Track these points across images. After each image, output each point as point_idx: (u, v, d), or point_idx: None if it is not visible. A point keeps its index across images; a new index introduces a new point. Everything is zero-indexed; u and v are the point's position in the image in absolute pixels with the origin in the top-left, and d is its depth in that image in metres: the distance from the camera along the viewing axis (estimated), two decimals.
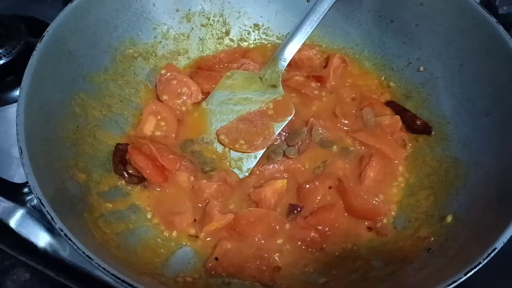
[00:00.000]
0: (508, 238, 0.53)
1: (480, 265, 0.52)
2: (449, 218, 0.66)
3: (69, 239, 0.51)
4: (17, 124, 0.60)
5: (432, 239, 0.65)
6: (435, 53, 0.82)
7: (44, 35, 0.70)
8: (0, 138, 0.89)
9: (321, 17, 0.84)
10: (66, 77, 0.72)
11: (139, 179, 0.74)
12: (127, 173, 0.74)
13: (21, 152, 0.58)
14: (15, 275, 0.81)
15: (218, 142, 0.80)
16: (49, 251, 0.80)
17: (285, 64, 0.85)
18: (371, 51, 0.91)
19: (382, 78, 0.89)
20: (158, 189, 0.75)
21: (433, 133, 0.79)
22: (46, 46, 0.69)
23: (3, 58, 0.97)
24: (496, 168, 0.66)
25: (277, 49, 0.87)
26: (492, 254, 0.52)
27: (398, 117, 0.82)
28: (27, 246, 0.81)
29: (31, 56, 0.67)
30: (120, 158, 0.75)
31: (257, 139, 0.80)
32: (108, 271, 0.50)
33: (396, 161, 0.79)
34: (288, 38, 0.86)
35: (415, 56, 0.85)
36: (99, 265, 0.50)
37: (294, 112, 0.82)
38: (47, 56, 0.69)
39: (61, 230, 0.52)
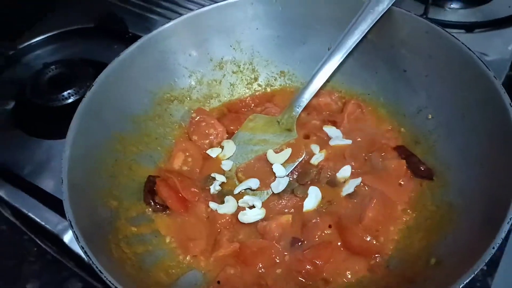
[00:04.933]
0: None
1: None
2: (433, 261, 0.70)
3: (87, 255, 0.63)
4: (62, 158, 0.75)
5: (415, 280, 0.69)
6: (442, 103, 0.86)
7: (93, 84, 0.84)
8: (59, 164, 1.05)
9: (332, 70, 0.92)
10: (109, 119, 0.86)
11: (164, 207, 0.86)
12: (154, 202, 0.86)
13: (62, 181, 0.72)
14: (70, 284, 0.93)
15: (236, 179, 0.90)
16: None
17: (299, 110, 0.94)
18: (385, 98, 0.97)
19: (395, 124, 0.95)
20: (179, 218, 0.86)
21: (434, 178, 0.83)
22: (94, 93, 0.84)
23: (71, 97, 1.14)
24: (481, 217, 0.69)
25: (294, 97, 0.96)
26: None
27: (403, 161, 0.87)
28: (79, 260, 0.92)
29: (81, 102, 0.82)
30: (150, 188, 0.87)
31: (270, 178, 0.88)
32: (112, 284, 0.61)
33: (398, 204, 0.84)
34: (303, 88, 0.95)
35: (424, 104, 0.90)
36: (106, 278, 0.61)
37: (304, 155, 0.90)
38: (94, 101, 0.83)
39: (82, 248, 0.64)
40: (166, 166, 0.92)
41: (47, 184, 1.03)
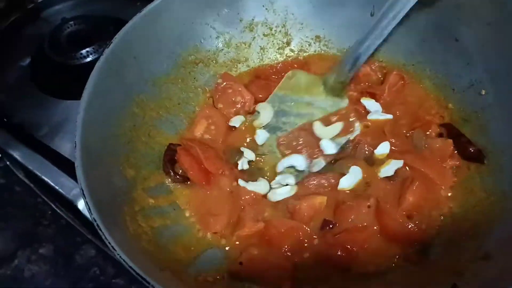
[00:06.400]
0: None
1: None
2: (481, 254, 0.63)
3: (100, 229, 0.58)
4: (76, 121, 0.68)
5: (462, 273, 0.62)
6: (499, 77, 0.77)
7: (112, 42, 0.77)
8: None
9: (389, 31, 0.79)
10: (129, 80, 0.80)
11: (184, 178, 0.79)
12: (174, 172, 0.79)
13: (75, 146, 0.66)
14: (83, 250, 0.91)
15: (278, 151, 0.82)
16: None
17: (350, 76, 0.84)
18: (433, 69, 0.87)
19: (442, 99, 0.85)
20: (200, 191, 0.79)
21: (486, 162, 0.75)
22: (112, 51, 0.76)
23: (90, 56, 1.09)
24: None
25: (343, 57, 0.85)
26: None
27: (450, 141, 0.78)
28: (93, 228, 0.90)
29: (98, 60, 0.75)
30: (170, 157, 0.80)
31: (318, 153, 0.80)
32: (126, 263, 0.55)
33: (443, 188, 0.76)
34: (359, 42, 0.82)
35: (478, 78, 0.80)
36: (120, 256, 0.55)
37: (358, 130, 0.81)
38: (113, 60, 0.76)
39: (95, 220, 0.58)
40: (187, 134, 0.85)
41: (63, 147, 0.99)
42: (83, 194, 0.61)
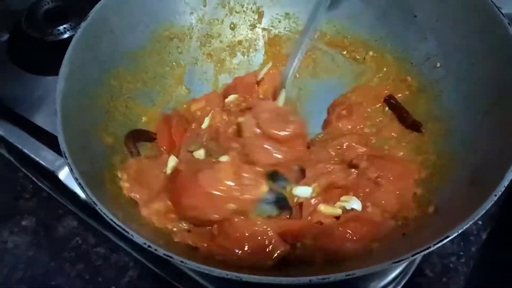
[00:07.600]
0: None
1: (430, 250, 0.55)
2: (431, 209, 0.70)
3: (81, 185, 0.62)
4: (56, 90, 0.72)
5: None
6: (452, 50, 0.83)
7: (88, 15, 0.81)
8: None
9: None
10: (105, 53, 0.83)
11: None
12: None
13: (56, 113, 0.70)
14: (65, 221, 0.94)
15: None
16: None
17: None
18: (393, 44, 0.93)
19: (401, 72, 0.91)
20: None
21: (422, 131, 0.83)
22: (89, 25, 0.80)
23: (66, 32, 1.11)
24: (484, 165, 0.68)
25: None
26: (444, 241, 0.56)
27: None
28: (74, 198, 0.92)
29: (76, 33, 0.79)
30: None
31: None
32: (102, 211, 0.60)
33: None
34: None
35: (434, 52, 0.86)
36: (101, 211, 0.60)
37: None
38: (89, 34, 0.79)
39: (76, 179, 0.63)
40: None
41: (43, 121, 1.01)
42: (65, 156, 0.65)
